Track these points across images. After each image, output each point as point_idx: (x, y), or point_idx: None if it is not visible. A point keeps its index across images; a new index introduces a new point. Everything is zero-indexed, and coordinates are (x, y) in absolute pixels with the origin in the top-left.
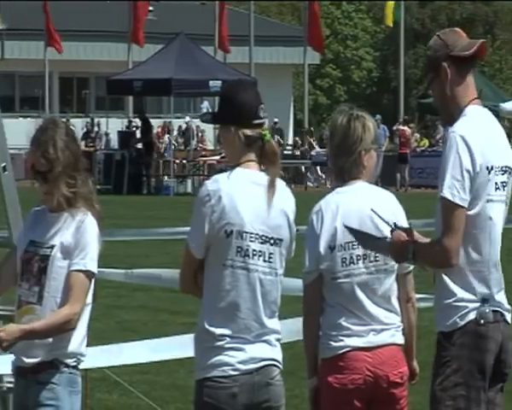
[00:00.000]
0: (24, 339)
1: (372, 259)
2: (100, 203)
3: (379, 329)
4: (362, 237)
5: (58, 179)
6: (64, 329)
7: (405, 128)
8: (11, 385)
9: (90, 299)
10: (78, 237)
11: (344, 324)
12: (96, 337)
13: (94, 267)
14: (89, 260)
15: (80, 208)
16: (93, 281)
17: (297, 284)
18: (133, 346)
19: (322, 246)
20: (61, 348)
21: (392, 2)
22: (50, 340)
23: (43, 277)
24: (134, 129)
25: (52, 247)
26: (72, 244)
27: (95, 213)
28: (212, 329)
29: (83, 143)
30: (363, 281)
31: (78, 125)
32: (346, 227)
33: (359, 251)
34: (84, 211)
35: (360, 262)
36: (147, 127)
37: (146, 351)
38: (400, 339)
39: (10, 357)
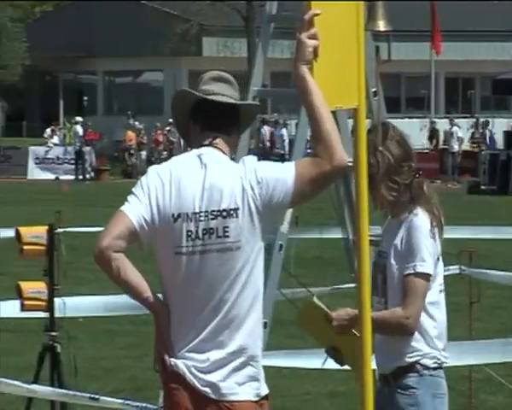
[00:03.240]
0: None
1: None
2: (439, 205)
3: None
4: None
5: (378, 183)
6: (396, 330)
7: None
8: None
9: (434, 298)
10: (408, 241)
11: None
12: (478, 337)
13: (426, 268)
14: (419, 262)
15: (412, 211)
16: (429, 283)
17: None
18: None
19: None
20: (417, 350)
21: None
22: (405, 344)
23: (384, 287)
24: None
25: (388, 254)
26: (403, 249)
27: (429, 214)
28: None
29: (468, 144)
30: None
31: (464, 125)
32: None
33: None
34: (414, 213)
35: None
36: None
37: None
38: None
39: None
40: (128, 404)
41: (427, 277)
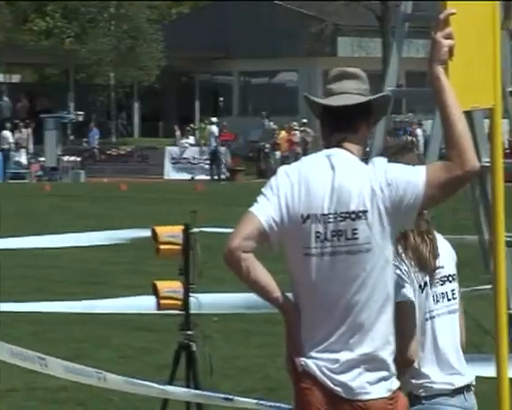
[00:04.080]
0: None
1: None
2: (425, 251)
3: None
4: None
5: None
6: (400, 368)
7: None
8: None
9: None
10: None
11: None
12: None
13: (401, 296)
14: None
15: None
16: (414, 309)
17: None
18: None
19: None
20: (407, 381)
21: None
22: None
23: None
24: None
25: None
26: None
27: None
28: None
29: None
30: None
31: None
32: None
33: None
34: None
35: None
36: None
37: None
38: None
39: None
40: (262, 404)
41: (405, 303)
